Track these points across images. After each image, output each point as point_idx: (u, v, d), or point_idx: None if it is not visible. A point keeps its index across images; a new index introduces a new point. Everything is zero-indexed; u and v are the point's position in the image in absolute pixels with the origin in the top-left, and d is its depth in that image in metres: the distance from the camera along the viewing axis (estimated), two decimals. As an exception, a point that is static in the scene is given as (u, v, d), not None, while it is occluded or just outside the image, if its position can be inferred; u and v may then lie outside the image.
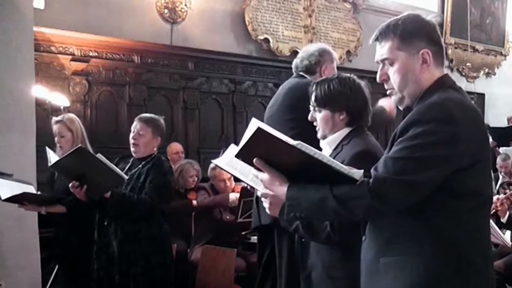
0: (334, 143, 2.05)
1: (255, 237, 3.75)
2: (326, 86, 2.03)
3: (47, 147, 3.01)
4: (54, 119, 3.33)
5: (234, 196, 4.13)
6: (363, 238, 1.57)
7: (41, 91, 4.66)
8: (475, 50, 9.12)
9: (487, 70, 9.48)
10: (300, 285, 2.14)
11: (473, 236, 1.42)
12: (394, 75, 1.52)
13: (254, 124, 1.54)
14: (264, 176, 1.49)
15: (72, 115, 3.40)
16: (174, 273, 3.18)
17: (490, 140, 6.47)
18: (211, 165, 4.40)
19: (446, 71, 1.59)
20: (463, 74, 9.08)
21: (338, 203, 1.38)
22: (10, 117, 3.72)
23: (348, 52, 7.58)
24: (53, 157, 2.88)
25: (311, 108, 2.11)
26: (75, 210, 3.04)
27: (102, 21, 5.55)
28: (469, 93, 8.48)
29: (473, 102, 1.55)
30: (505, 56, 9.65)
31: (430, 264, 1.38)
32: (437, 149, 1.34)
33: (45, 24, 5.03)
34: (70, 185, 2.80)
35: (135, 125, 3.06)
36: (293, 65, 3.05)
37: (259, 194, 1.73)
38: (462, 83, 8.86)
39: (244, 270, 4.03)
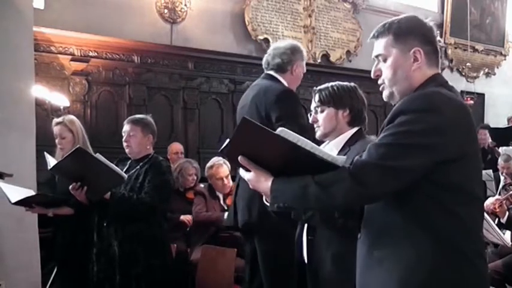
0: (341, 144, 2.11)
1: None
2: (330, 87, 2.15)
3: (45, 152, 3.02)
4: (55, 120, 3.35)
5: None
6: (358, 236, 1.58)
7: (40, 91, 4.66)
8: (474, 50, 9.11)
9: (486, 70, 9.47)
10: (291, 284, 2.15)
11: (461, 228, 1.43)
12: (386, 70, 1.55)
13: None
14: (250, 174, 1.51)
15: (72, 116, 3.43)
16: (174, 273, 3.18)
17: (490, 140, 6.51)
18: (208, 164, 4.42)
19: (446, 71, 1.60)
20: (463, 74, 9.07)
21: (319, 188, 1.39)
22: (10, 117, 3.72)
23: (348, 52, 7.58)
24: (51, 161, 2.88)
25: (312, 111, 2.18)
26: (80, 211, 3.04)
27: (102, 21, 5.56)
28: (469, 93, 8.49)
29: (472, 102, 1.56)
30: (505, 56, 9.64)
31: (422, 255, 1.40)
32: (420, 137, 1.36)
33: (45, 24, 5.04)
34: (70, 187, 2.81)
35: (125, 128, 3.08)
36: (264, 61, 2.97)
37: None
38: (462, 83, 8.86)
39: (244, 270, 4.03)
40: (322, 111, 2.14)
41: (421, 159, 1.37)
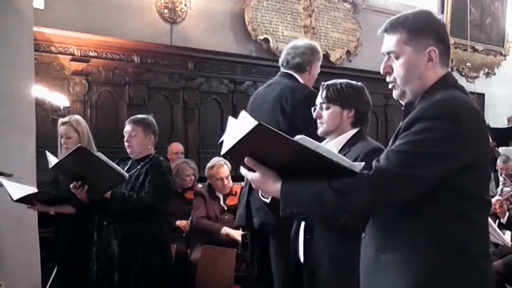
0: (341, 143, 2.10)
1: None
2: (338, 85, 2.14)
3: (46, 151, 3.02)
4: (61, 120, 3.35)
5: (225, 231, 4.10)
6: (363, 235, 1.57)
7: (40, 91, 4.66)
8: (475, 50, 9.11)
9: (487, 70, 9.48)
10: (298, 285, 2.14)
11: (473, 234, 1.42)
12: (398, 69, 1.51)
13: (245, 118, 1.48)
14: (255, 175, 1.45)
15: (78, 116, 3.43)
16: (174, 273, 3.18)
17: (490, 140, 6.51)
18: (209, 164, 4.42)
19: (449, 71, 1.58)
20: (463, 74, 9.08)
21: (337, 195, 1.36)
22: (10, 117, 3.72)
23: (348, 52, 7.57)
24: (52, 160, 2.88)
25: (317, 106, 2.17)
26: (81, 210, 3.04)
27: (102, 21, 5.56)
28: (469, 93, 8.49)
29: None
30: (505, 56, 9.64)
31: (432, 261, 1.38)
32: (439, 145, 1.34)
33: (45, 24, 5.03)
34: (71, 185, 2.81)
35: (126, 128, 3.08)
36: (282, 60, 2.96)
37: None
38: (462, 83, 8.60)
39: (244, 270, 4.03)
40: (327, 108, 2.13)
41: (440, 168, 1.35)
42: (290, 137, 1.34)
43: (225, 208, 4.34)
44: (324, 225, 1.99)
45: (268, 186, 1.45)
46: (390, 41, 1.52)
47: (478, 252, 1.42)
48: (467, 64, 8.90)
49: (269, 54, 6.72)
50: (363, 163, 1.41)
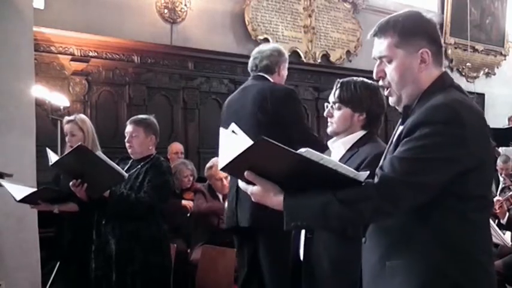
0: (349, 143, 2.08)
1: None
2: (352, 86, 2.08)
3: (47, 148, 3.02)
4: (66, 118, 3.41)
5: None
6: (363, 240, 1.54)
7: (40, 91, 4.65)
8: (474, 50, 9.11)
9: (486, 70, 9.48)
10: (289, 284, 2.14)
11: (479, 236, 1.41)
12: (392, 73, 1.48)
13: (224, 134, 1.51)
14: (255, 188, 1.43)
15: (83, 116, 3.50)
16: (174, 273, 3.18)
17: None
18: (208, 165, 4.42)
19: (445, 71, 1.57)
20: (463, 74, 9.08)
21: (343, 206, 1.34)
22: (10, 117, 3.73)
23: (348, 52, 7.57)
24: (53, 157, 2.89)
25: (329, 104, 2.13)
26: (83, 209, 3.05)
27: (102, 21, 5.56)
28: (469, 93, 8.40)
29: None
30: (505, 56, 9.64)
31: (438, 267, 1.37)
32: (444, 150, 1.33)
33: (45, 24, 5.03)
34: (71, 183, 2.82)
35: (127, 128, 3.09)
36: (251, 65, 3.08)
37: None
38: (462, 83, 8.84)
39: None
40: (338, 109, 2.08)
41: (446, 173, 1.34)
42: (294, 150, 1.32)
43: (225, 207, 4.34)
44: (324, 230, 1.98)
45: (270, 200, 1.42)
46: (381, 45, 1.49)
47: (481, 252, 1.41)
48: (467, 64, 8.90)
49: (269, 54, 6.70)
50: (368, 172, 1.38)
